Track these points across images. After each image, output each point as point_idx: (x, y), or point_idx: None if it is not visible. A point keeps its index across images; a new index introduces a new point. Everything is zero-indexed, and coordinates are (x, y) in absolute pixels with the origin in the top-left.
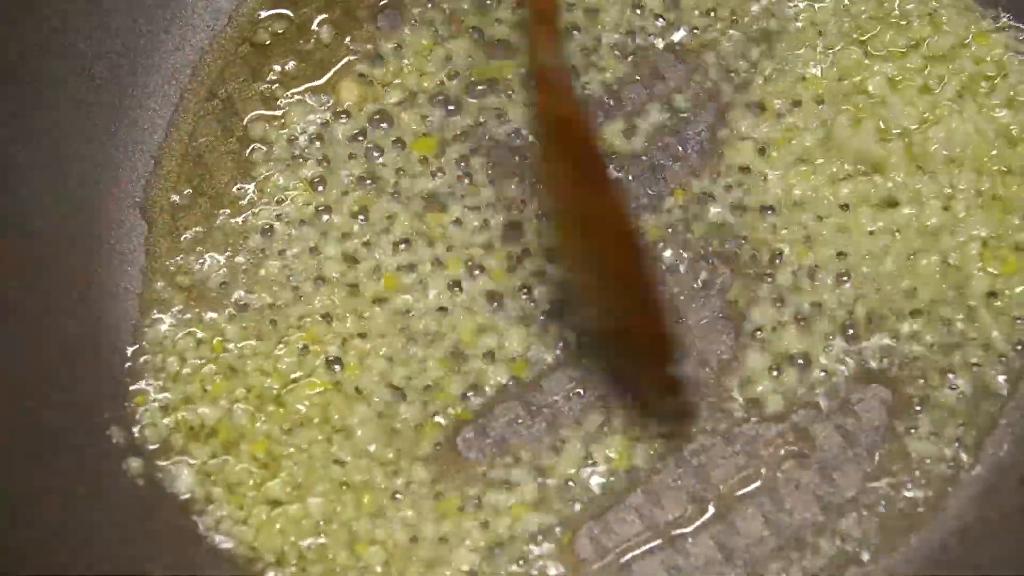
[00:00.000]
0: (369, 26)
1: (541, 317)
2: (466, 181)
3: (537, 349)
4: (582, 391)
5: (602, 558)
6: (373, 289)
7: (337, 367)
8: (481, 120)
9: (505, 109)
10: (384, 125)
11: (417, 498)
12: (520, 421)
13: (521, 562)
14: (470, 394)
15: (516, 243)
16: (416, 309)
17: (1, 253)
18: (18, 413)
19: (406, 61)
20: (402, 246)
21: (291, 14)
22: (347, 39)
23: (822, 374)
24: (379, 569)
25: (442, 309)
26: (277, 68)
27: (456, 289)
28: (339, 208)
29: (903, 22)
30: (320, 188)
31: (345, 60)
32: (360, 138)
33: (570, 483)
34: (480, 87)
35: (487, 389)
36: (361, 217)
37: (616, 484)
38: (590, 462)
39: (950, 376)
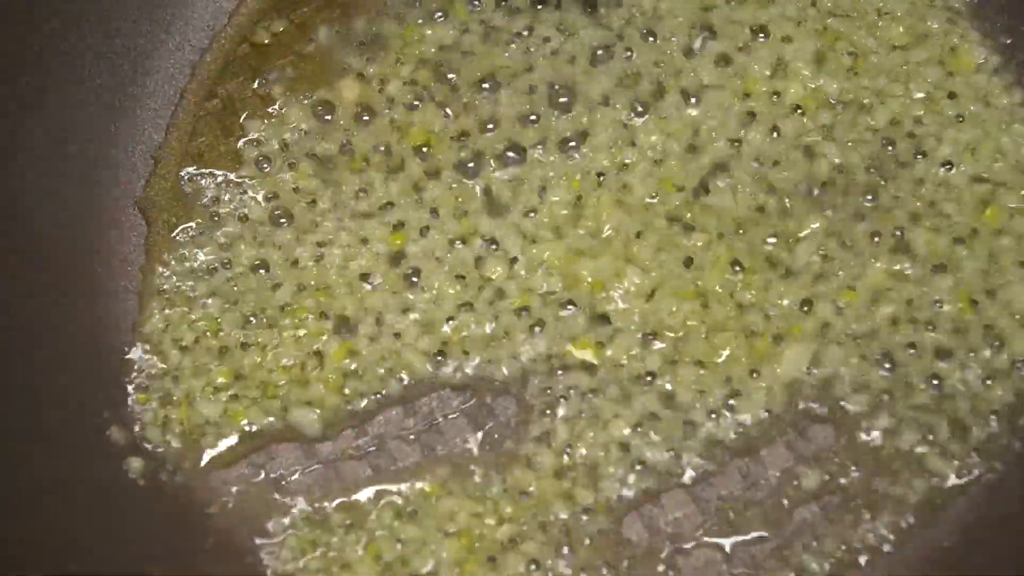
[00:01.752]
0: (368, 26)
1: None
2: (469, 179)
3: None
4: None
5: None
6: (373, 280)
7: (339, 356)
8: (479, 120)
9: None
10: (384, 123)
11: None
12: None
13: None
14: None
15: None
16: (419, 298)
17: (1, 253)
18: (18, 413)
19: (406, 60)
20: (403, 235)
21: (290, 14)
22: (346, 39)
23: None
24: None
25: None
26: (276, 68)
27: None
28: (338, 205)
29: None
30: (320, 186)
31: (344, 60)
32: (359, 136)
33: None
34: (479, 83)
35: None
36: (362, 215)
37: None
38: None
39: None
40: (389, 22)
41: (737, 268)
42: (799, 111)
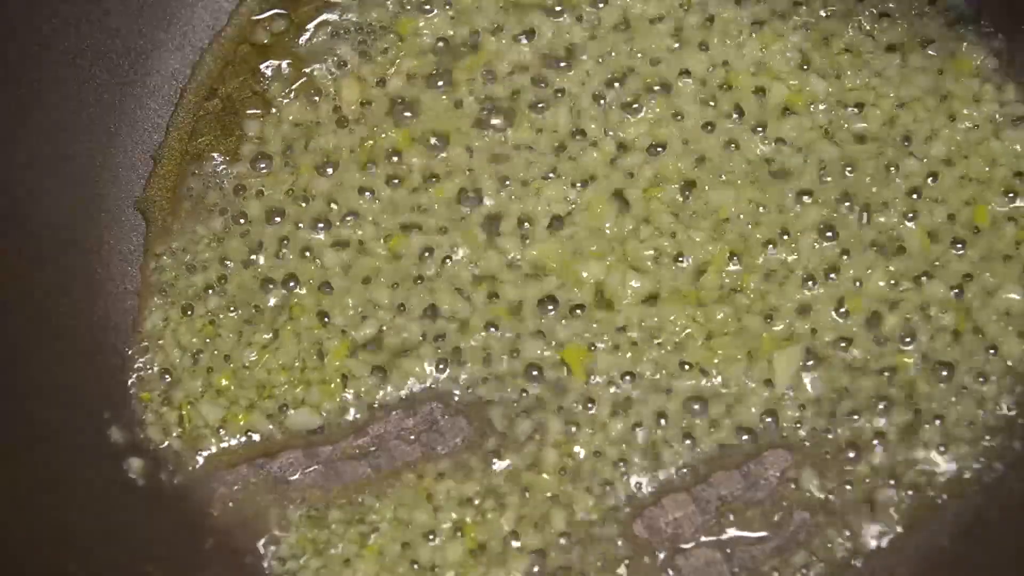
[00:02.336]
0: (368, 25)
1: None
2: (470, 178)
3: None
4: None
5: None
6: (371, 279)
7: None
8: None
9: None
10: (384, 122)
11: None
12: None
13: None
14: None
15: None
16: (419, 298)
17: (1, 253)
18: (18, 413)
19: (406, 59)
20: (404, 235)
21: (290, 14)
22: (345, 38)
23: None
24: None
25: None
26: (276, 68)
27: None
28: (338, 203)
29: None
30: (319, 185)
31: (344, 59)
32: (358, 135)
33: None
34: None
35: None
36: (361, 214)
37: None
38: None
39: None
40: (387, 18)
41: (736, 267)
42: (791, 111)
